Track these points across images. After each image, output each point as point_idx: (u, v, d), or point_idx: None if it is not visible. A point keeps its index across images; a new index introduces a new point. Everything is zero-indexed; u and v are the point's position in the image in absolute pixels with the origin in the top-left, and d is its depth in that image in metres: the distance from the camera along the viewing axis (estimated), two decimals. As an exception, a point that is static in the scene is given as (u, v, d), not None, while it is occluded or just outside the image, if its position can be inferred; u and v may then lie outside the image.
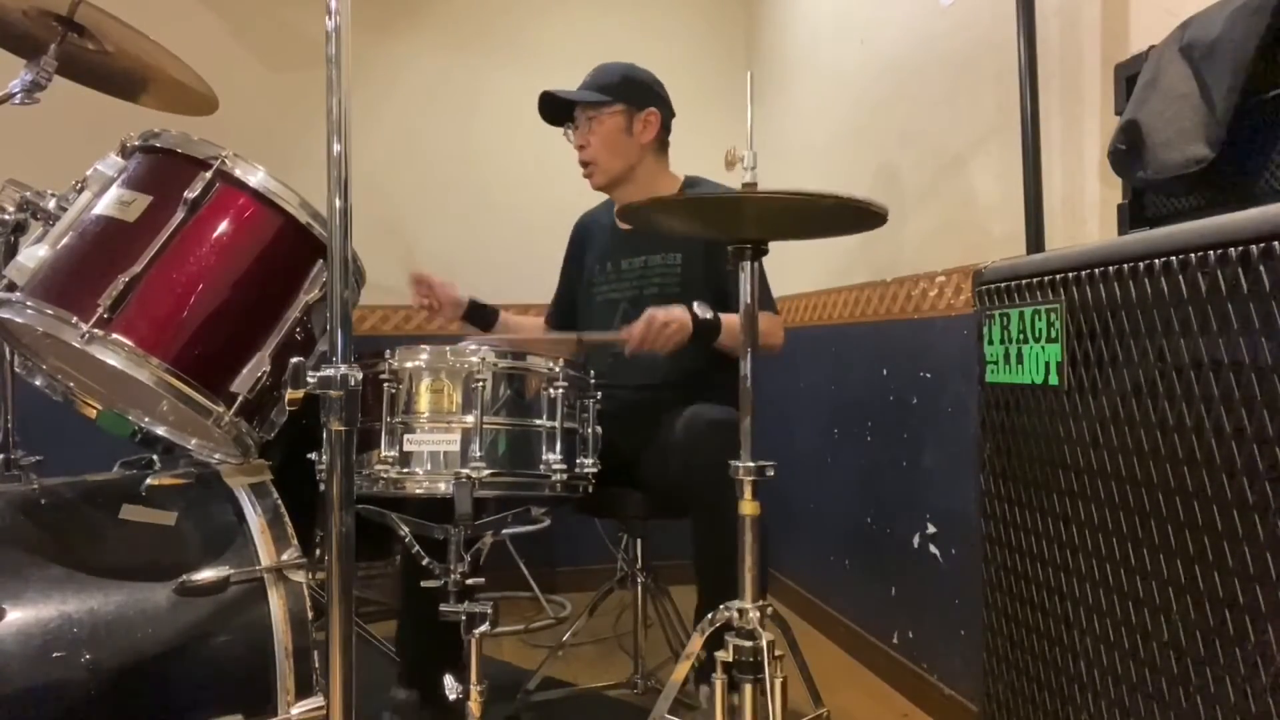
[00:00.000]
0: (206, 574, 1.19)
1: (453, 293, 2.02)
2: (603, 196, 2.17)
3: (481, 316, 2.07)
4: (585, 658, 2.41)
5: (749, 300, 1.33)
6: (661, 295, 1.94)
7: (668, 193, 2.00)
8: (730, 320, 1.74)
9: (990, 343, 1.26)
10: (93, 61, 1.56)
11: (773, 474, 1.29)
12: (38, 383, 1.40)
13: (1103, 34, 1.56)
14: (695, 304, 1.70)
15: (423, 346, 1.41)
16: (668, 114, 2.01)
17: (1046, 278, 1.14)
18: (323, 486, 1.03)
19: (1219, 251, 0.89)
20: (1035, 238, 1.58)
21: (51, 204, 1.33)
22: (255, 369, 1.25)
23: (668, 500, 1.77)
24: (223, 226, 1.26)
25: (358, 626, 1.16)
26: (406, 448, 1.36)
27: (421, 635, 1.77)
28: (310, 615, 1.24)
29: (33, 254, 1.22)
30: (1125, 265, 1.01)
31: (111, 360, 1.15)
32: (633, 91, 1.97)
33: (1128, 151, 1.11)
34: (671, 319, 1.66)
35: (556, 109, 2.00)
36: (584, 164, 1.99)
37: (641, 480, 1.83)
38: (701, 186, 2.03)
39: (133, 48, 1.51)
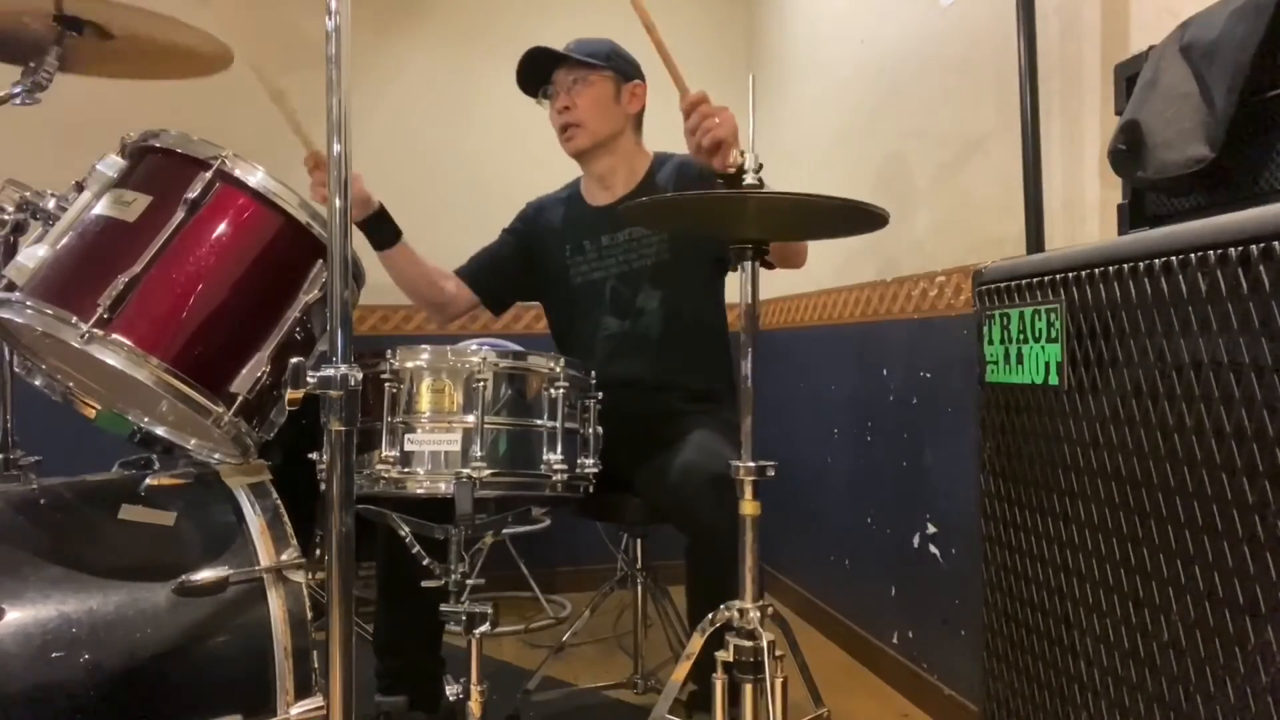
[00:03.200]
0: (206, 574, 1.19)
1: (361, 187, 1.82)
2: (557, 184, 2.12)
3: (380, 230, 1.88)
4: (585, 658, 2.42)
5: (749, 300, 1.33)
6: (656, 265, 1.90)
7: (640, 168, 1.98)
8: None
9: (990, 343, 1.26)
10: (102, 51, 1.54)
11: (773, 474, 1.29)
12: (37, 383, 1.40)
13: (1103, 34, 1.56)
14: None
15: (423, 346, 1.41)
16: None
17: (1046, 278, 1.14)
18: (323, 486, 1.03)
19: (1219, 251, 0.89)
20: (1035, 238, 1.58)
21: (51, 204, 1.33)
22: (255, 369, 1.24)
23: (666, 518, 1.75)
24: (222, 226, 1.26)
25: (358, 626, 1.16)
26: (407, 447, 1.36)
27: (403, 639, 1.75)
28: (310, 615, 1.24)
29: (32, 254, 1.22)
30: (1125, 265, 1.01)
31: (111, 360, 1.15)
32: (621, 63, 1.95)
33: (1128, 151, 1.11)
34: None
35: (531, 76, 1.93)
36: (566, 126, 1.91)
37: (639, 490, 1.81)
38: (670, 162, 1.98)
39: (137, 26, 1.49)
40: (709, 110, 1.45)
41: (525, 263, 2.07)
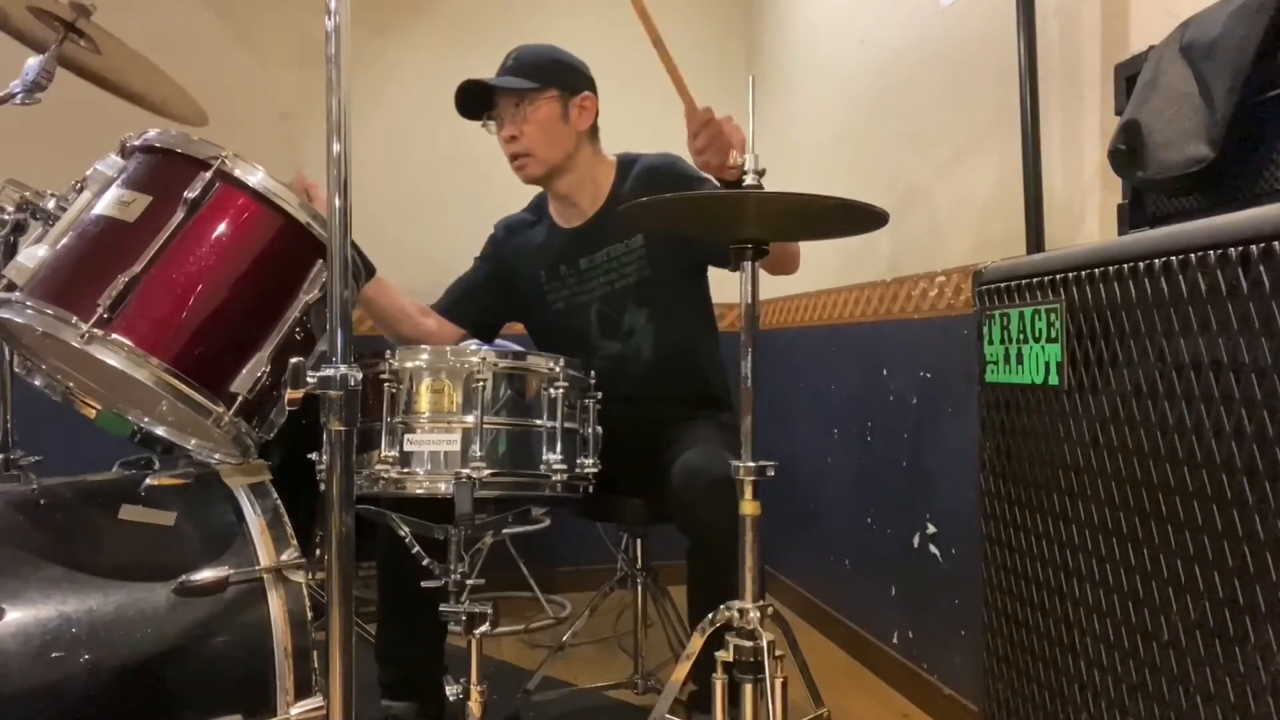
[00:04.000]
0: (206, 574, 1.19)
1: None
2: (523, 200, 2.06)
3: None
4: (585, 658, 2.42)
5: (749, 300, 1.33)
6: (639, 282, 1.85)
7: (605, 180, 1.90)
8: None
9: (990, 343, 1.26)
10: (90, 63, 1.56)
11: (773, 474, 1.29)
12: (37, 383, 1.40)
13: (1103, 34, 1.56)
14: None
15: (423, 347, 1.41)
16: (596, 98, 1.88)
17: (1046, 278, 1.14)
18: (323, 486, 1.03)
19: (1219, 251, 0.89)
20: (1035, 238, 1.58)
21: (51, 204, 1.33)
22: (255, 369, 1.24)
23: (667, 520, 1.73)
24: (222, 226, 1.26)
25: (358, 626, 1.16)
26: (407, 448, 1.36)
27: (405, 645, 1.73)
28: (310, 615, 1.24)
29: (32, 254, 1.22)
30: (1125, 265, 1.01)
31: (111, 360, 1.15)
32: (565, 76, 1.83)
33: (1128, 151, 1.11)
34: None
35: (473, 100, 1.81)
36: (516, 156, 1.82)
37: (641, 494, 1.79)
38: (637, 165, 1.90)
39: (126, 64, 1.50)
40: (718, 129, 1.41)
41: (502, 288, 2.00)
